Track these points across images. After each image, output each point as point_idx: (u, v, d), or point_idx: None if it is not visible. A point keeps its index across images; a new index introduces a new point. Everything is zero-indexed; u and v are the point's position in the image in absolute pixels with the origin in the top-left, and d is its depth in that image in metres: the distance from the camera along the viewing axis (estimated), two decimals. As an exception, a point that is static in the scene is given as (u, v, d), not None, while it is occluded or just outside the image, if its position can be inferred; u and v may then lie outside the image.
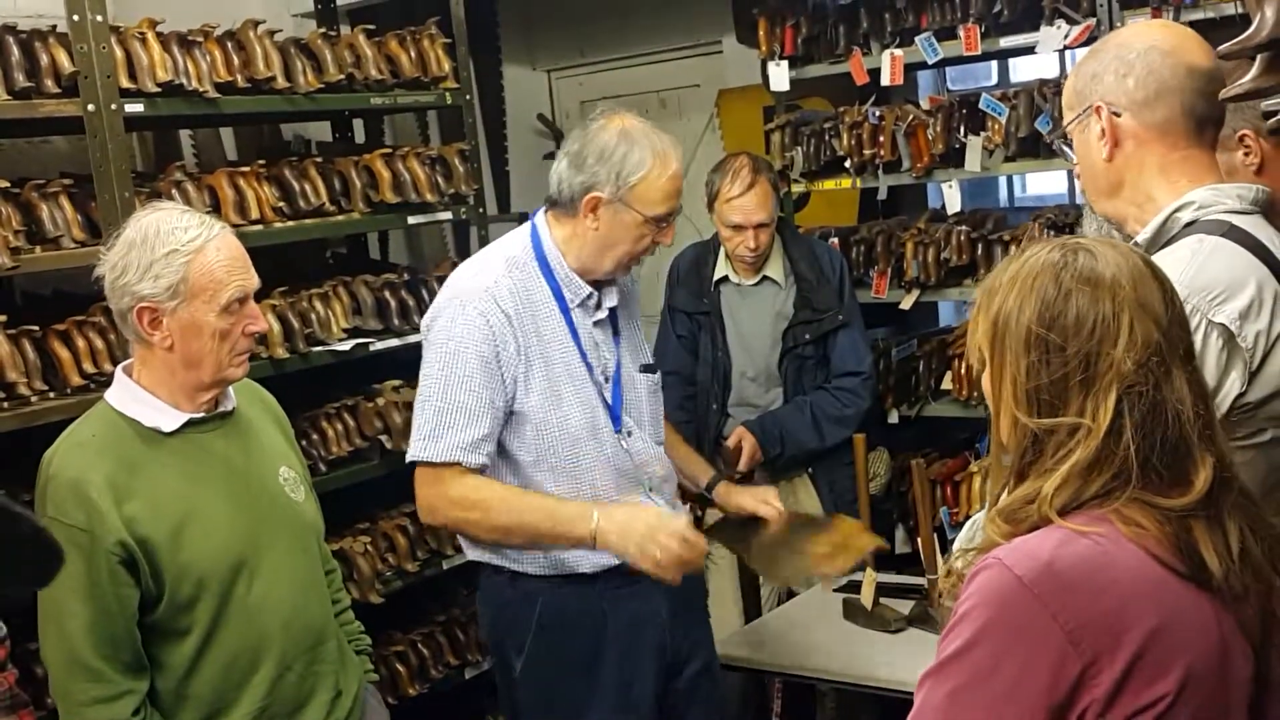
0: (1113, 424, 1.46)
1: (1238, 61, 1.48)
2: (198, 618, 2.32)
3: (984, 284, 1.60)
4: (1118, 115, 1.98)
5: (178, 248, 2.30)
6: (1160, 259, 1.89)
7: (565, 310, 2.78)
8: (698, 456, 3.32)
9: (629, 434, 2.82)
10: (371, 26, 3.89)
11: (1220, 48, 1.49)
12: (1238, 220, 1.94)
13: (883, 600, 3.41)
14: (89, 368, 3.02)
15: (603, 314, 2.83)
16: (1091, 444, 1.46)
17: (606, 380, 2.81)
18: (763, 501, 3.14)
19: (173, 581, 2.29)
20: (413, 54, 3.93)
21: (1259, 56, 1.47)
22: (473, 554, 2.86)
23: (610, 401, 2.81)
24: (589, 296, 2.80)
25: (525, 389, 2.71)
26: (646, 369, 2.93)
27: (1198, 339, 1.81)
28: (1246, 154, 2.33)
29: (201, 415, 2.41)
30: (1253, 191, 1.99)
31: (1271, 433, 1.89)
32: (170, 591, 2.29)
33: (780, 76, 4.55)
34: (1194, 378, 1.51)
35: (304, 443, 3.46)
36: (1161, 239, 1.96)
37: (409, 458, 2.74)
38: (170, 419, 2.37)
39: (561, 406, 2.73)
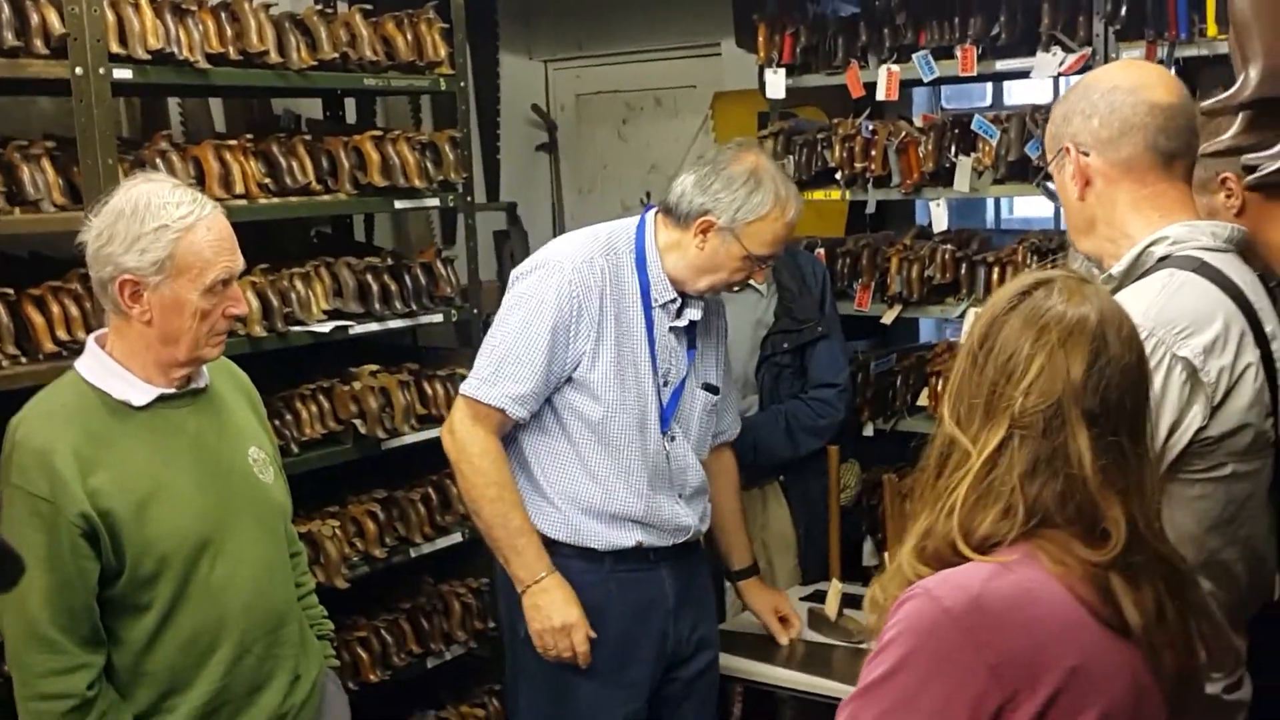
0: (993, 457, 1.48)
1: (1216, 110, 1.50)
2: (158, 594, 2.30)
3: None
4: (1085, 155, 2.03)
5: (168, 223, 2.28)
6: (1130, 292, 1.92)
7: (648, 307, 2.89)
8: (744, 538, 3.41)
9: (673, 439, 2.94)
10: (369, 6, 3.87)
11: (1203, 104, 1.52)
12: (1210, 257, 1.96)
13: (846, 611, 3.42)
14: (63, 334, 2.99)
15: (682, 323, 2.93)
16: (970, 474, 1.49)
17: (667, 385, 2.92)
18: (775, 614, 3.32)
19: (134, 557, 2.27)
20: (409, 37, 3.91)
21: (1241, 114, 1.49)
22: None
23: (665, 404, 2.92)
24: (673, 301, 2.90)
25: (592, 363, 2.83)
26: (709, 388, 3.04)
27: (1160, 372, 1.83)
28: (1228, 196, 2.36)
29: (173, 391, 2.39)
30: (1228, 230, 2.02)
31: (1232, 467, 1.92)
32: (132, 567, 2.27)
33: (777, 84, 4.55)
34: (1099, 442, 1.50)
35: (277, 423, 3.44)
36: (1135, 272, 1.99)
37: (461, 390, 2.88)
38: (141, 393, 2.34)
39: (621, 390, 2.84)
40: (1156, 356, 1.84)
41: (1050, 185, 2.14)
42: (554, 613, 2.80)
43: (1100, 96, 2.01)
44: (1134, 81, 2.01)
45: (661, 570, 2.96)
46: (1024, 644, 1.43)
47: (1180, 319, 1.88)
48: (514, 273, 2.92)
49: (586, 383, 2.83)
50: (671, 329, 2.92)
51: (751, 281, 3.94)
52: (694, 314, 2.95)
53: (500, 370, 2.80)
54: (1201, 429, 1.88)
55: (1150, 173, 2.01)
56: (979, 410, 1.51)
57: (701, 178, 2.84)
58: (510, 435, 2.90)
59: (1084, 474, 1.48)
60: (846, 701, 1.51)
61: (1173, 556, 1.56)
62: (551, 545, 2.89)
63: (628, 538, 2.89)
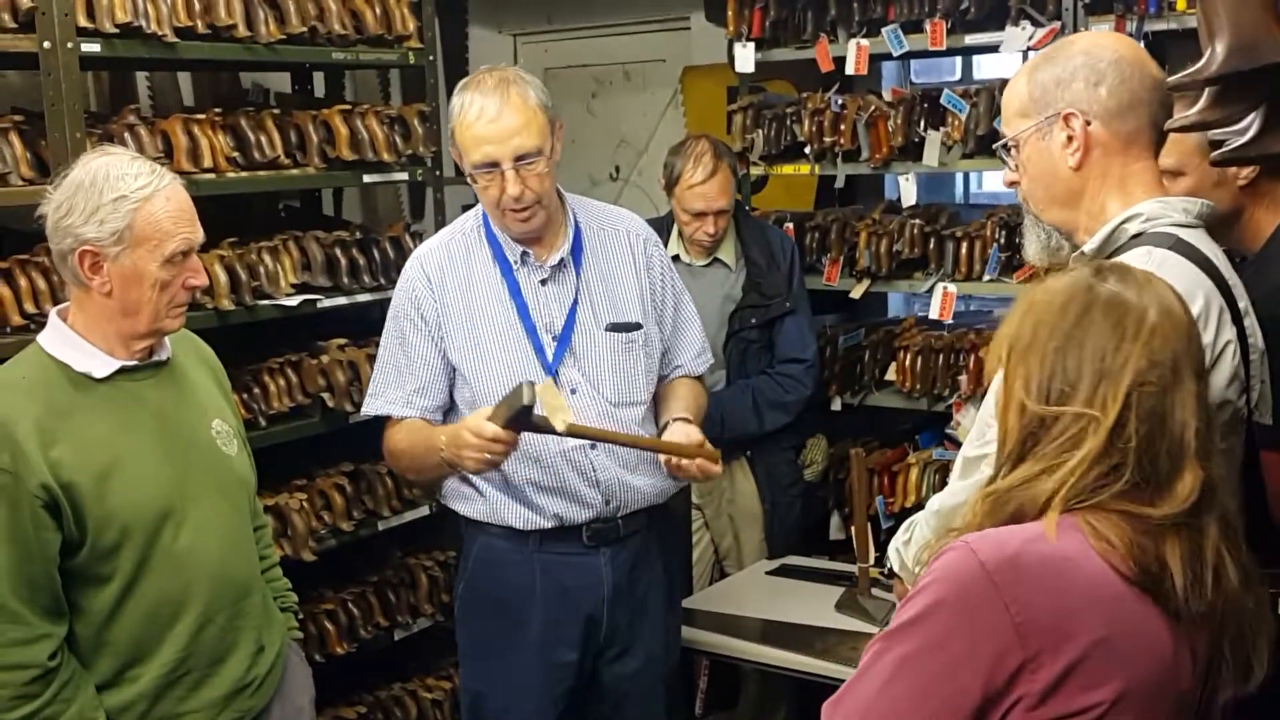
0: (1120, 416, 1.50)
1: (1184, 84, 1.52)
2: (120, 565, 2.31)
3: (1027, 287, 1.66)
4: (1089, 123, 1.98)
5: (126, 194, 2.28)
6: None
7: (507, 271, 2.86)
8: (682, 407, 2.98)
9: (572, 391, 2.83)
10: (337, -20, 3.84)
11: (1169, 79, 1.53)
12: (1184, 234, 1.96)
13: (875, 592, 3.42)
14: (30, 308, 2.98)
15: (545, 272, 2.86)
16: (1100, 435, 1.50)
17: (553, 339, 2.84)
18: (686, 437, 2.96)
19: (96, 528, 2.27)
20: (378, 10, 3.89)
21: (1207, 90, 1.50)
22: (441, 498, 3.03)
23: (551, 358, 2.83)
24: (524, 254, 2.86)
25: (450, 344, 2.85)
26: (618, 327, 2.89)
27: None
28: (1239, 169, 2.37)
29: (134, 364, 2.39)
30: (1198, 206, 2.02)
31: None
32: (93, 538, 2.27)
33: (746, 58, 4.55)
34: (1203, 398, 1.55)
35: (245, 396, 3.43)
36: (1108, 249, 1.99)
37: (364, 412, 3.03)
38: (102, 365, 2.34)
39: (485, 361, 2.82)
40: None
41: (1012, 153, 2.08)
42: (454, 436, 2.71)
43: (1108, 65, 1.97)
44: (1135, 54, 1.99)
45: (599, 557, 2.88)
46: (1053, 606, 1.45)
47: None
48: None
49: (454, 363, 2.86)
50: (543, 282, 2.86)
51: (720, 256, 3.99)
52: (554, 258, 2.86)
53: (379, 381, 2.95)
54: None
55: (1145, 149, 2.01)
56: (1085, 378, 1.53)
57: None
58: None
59: (1189, 428, 1.51)
60: (874, 641, 1.54)
61: (1234, 523, 1.58)
62: (478, 526, 2.91)
63: (545, 513, 2.83)
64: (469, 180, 2.80)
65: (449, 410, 2.92)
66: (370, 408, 2.96)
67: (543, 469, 2.82)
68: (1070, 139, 1.99)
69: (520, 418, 2.57)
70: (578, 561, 2.88)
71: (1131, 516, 1.49)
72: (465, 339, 2.84)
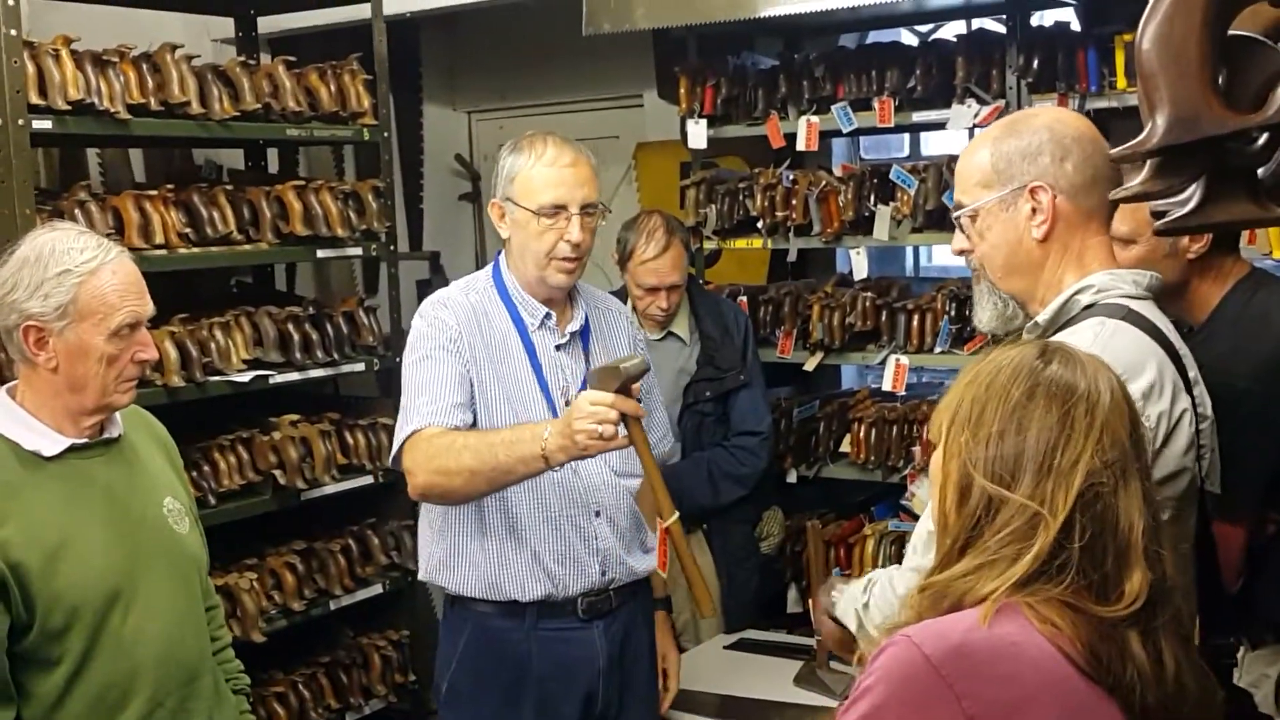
0: (1069, 517, 1.46)
1: (1126, 157, 1.55)
2: (69, 648, 2.26)
3: (969, 364, 1.63)
4: (1055, 197, 2.01)
5: (71, 268, 2.26)
6: (1064, 340, 1.94)
7: (524, 332, 2.84)
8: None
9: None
10: (292, 58, 3.87)
11: (1112, 151, 1.56)
12: (1135, 305, 2.00)
13: (833, 665, 3.38)
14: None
15: (564, 338, 2.86)
16: (1049, 534, 1.45)
17: (567, 403, 2.80)
18: (660, 662, 3.13)
19: (44, 609, 2.22)
20: (332, 88, 3.91)
21: (1149, 161, 1.53)
22: (423, 574, 2.91)
23: None
24: (546, 317, 2.85)
25: (478, 388, 2.77)
26: None
27: None
28: (1193, 240, 2.41)
29: (84, 441, 2.36)
30: (1146, 278, 2.06)
31: (1169, 512, 1.94)
32: (41, 619, 2.22)
33: (698, 134, 4.60)
34: (1149, 495, 1.52)
35: (195, 474, 3.40)
36: (1060, 319, 2.01)
37: (391, 459, 2.80)
38: (51, 443, 2.31)
39: (498, 412, 2.77)
40: None
41: (966, 222, 2.10)
42: (563, 424, 2.52)
43: (1073, 141, 2.01)
44: (1093, 132, 2.04)
45: (594, 631, 2.86)
46: (1005, 696, 1.41)
47: (1116, 367, 1.89)
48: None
49: (476, 411, 2.77)
50: (558, 347, 2.86)
51: (674, 329, 4.00)
52: (574, 325, 2.89)
53: (408, 407, 2.74)
54: None
55: (1101, 223, 2.06)
56: (1025, 468, 1.48)
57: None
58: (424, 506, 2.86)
59: (1135, 526, 1.48)
60: None
61: (1184, 617, 1.56)
62: (468, 603, 2.84)
63: (545, 582, 2.79)
64: (500, 225, 2.80)
65: None
66: (403, 434, 2.70)
67: (553, 529, 2.79)
68: (1035, 211, 2.02)
69: (625, 386, 2.52)
70: (574, 636, 2.84)
71: (1075, 609, 1.45)
72: (482, 386, 2.78)
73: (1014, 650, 1.43)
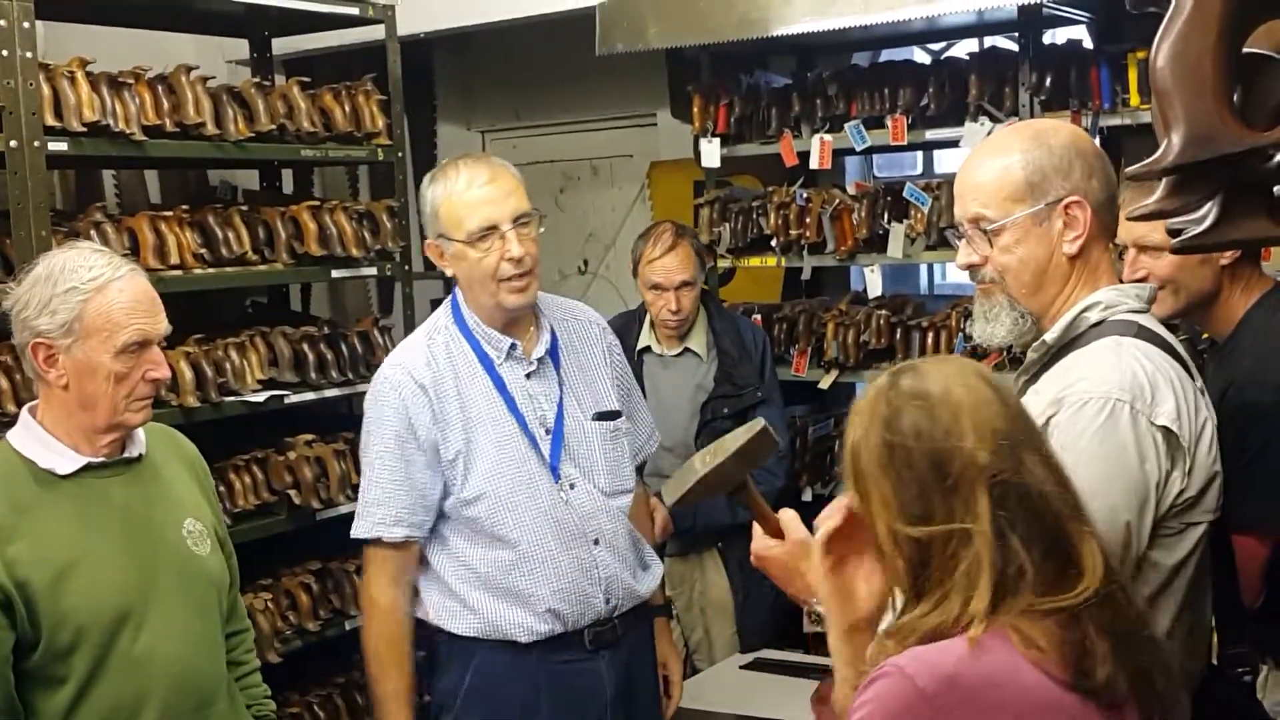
0: (995, 521, 1.45)
1: (1141, 175, 1.54)
2: (75, 667, 2.24)
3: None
4: (1090, 212, 1.99)
5: (77, 285, 2.25)
6: (1080, 360, 1.93)
7: (491, 368, 2.76)
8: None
9: (571, 486, 2.77)
10: (307, 79, 3.89)
11: (1128, 170, 1.56)
12: (1142, 320, 2.00)
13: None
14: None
15: (532, 365, 2.79)
16: (987, 541, 1.45)
17: (547, 432, 2.77)
18: (661, 669, 3.10)
19: (50, 628, 2.21)
20: (347, 108, 3.92)
21: (1165, 179, 1.53)
22: (420, 613, 2.83)
23: (549, 454, 2.76)
24: (512, 348, 2.78)
25: (445, 450, 2.71)
26: (603, 416, 2.86)
27: (1143, 440, 1.85)
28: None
29: (102, 460, 2.35)
30: (1147, 291, 2.07)
31: (1204, 519, 1.94)
32: (48, 638, 2.21)
33: (712, 153, 4.61)
34: (1049, 461, 1.51)
35: (210, 494, 3.40)
36: (1068, 337, 2.00)
37: (352, 535, 2.81)
38: (67, 462, 2.30)
39: (483, 460, 2.71)
40: (1139, 426, 1.85)
41: (978, 235, 2.05)
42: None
43: (1095, 159, 2.00)
44: (1101, 150, 2.05)
45: (600, 661, 2.80)
46: None
47: (1145, 387, 1.88)
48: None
49: (455, 469, 2.72)
50: (529, 375, 2.78)
51: (691, 346, 4.00)
52: (539, 350, 2.80)
53: (365, 499, 2.75)
54: (1181, 491, 1.89)
55: (1112, 239, 2.07)
56: (933, 495, 1.48)
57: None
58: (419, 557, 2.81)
59: (1051, 493, 1.47)
60: None
61: (1131, 599, 1.56)
62: (471, 643, 2.76)
63: (549, 620, 2.73)
64: (442, 265, 2.74)
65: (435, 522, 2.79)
66: (358, 530, 2.77)
67: (553, 569, 2.72)
68: (1067, 226, 1.99)
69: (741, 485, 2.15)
70: (582, 668, 2.78)
71: (1046, 613, 1.45)
72: (462, 441, 2.71)
73: (1005, 676, 1.43)
